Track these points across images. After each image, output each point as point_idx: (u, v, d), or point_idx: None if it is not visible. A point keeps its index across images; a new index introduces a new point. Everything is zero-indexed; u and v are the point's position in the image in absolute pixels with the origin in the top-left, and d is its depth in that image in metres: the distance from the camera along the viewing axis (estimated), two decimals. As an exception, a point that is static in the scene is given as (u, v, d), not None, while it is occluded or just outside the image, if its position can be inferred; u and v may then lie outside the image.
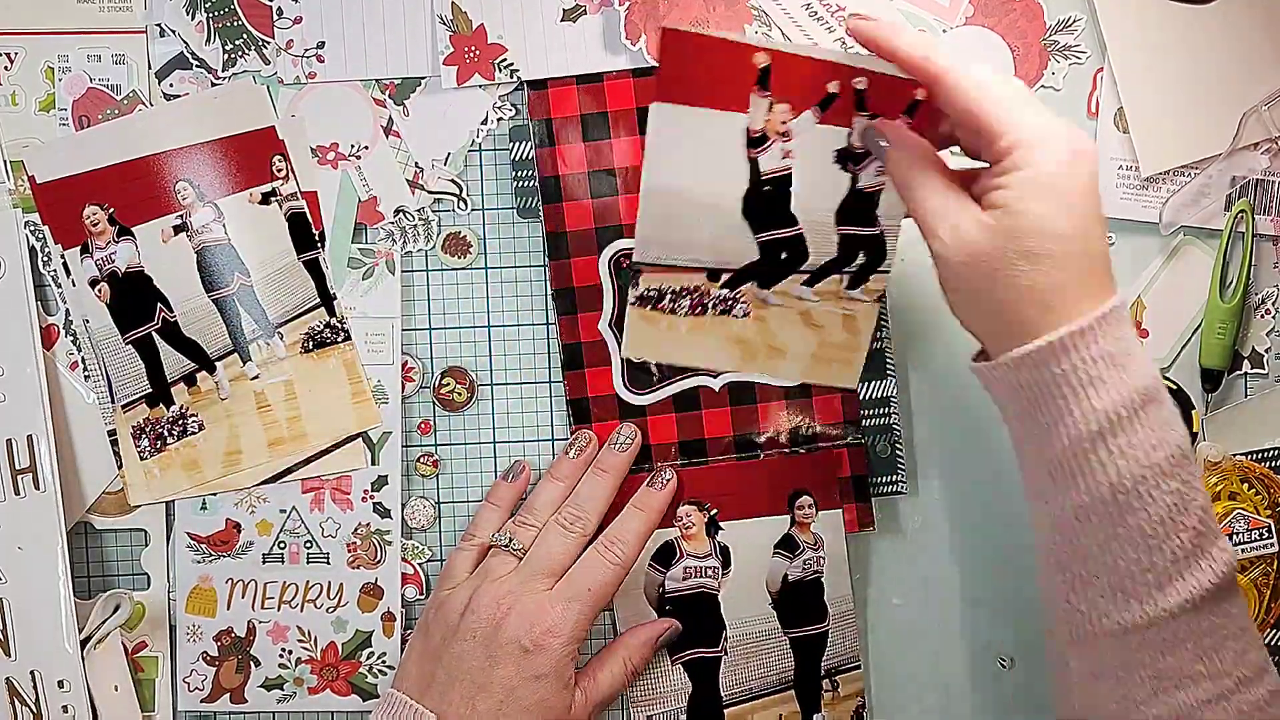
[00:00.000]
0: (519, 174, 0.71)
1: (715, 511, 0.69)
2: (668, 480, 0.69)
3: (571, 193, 0.70)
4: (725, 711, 0.70)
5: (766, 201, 0.66)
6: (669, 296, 0.69)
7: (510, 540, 0.67)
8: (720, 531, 0.70)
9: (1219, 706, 0.52)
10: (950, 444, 0.72)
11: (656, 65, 0.65)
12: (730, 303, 0.69)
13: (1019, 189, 0.53)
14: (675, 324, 0.69)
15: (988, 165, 0.56)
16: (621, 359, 0.70)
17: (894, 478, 0.71)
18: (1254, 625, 0.55)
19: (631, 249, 0.69)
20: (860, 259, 0.68)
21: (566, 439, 0.71)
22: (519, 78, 0.70)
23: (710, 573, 0.69)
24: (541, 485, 0.69)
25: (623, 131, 0.70)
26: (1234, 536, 0.68)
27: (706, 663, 0.70)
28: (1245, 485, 0.69)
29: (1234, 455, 0.70)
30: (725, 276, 0.68)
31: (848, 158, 0.65)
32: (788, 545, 0.70)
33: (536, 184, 0.70)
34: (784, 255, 0.68)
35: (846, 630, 0.71)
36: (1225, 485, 0.69)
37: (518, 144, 0.71)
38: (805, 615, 0.70)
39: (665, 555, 0.69)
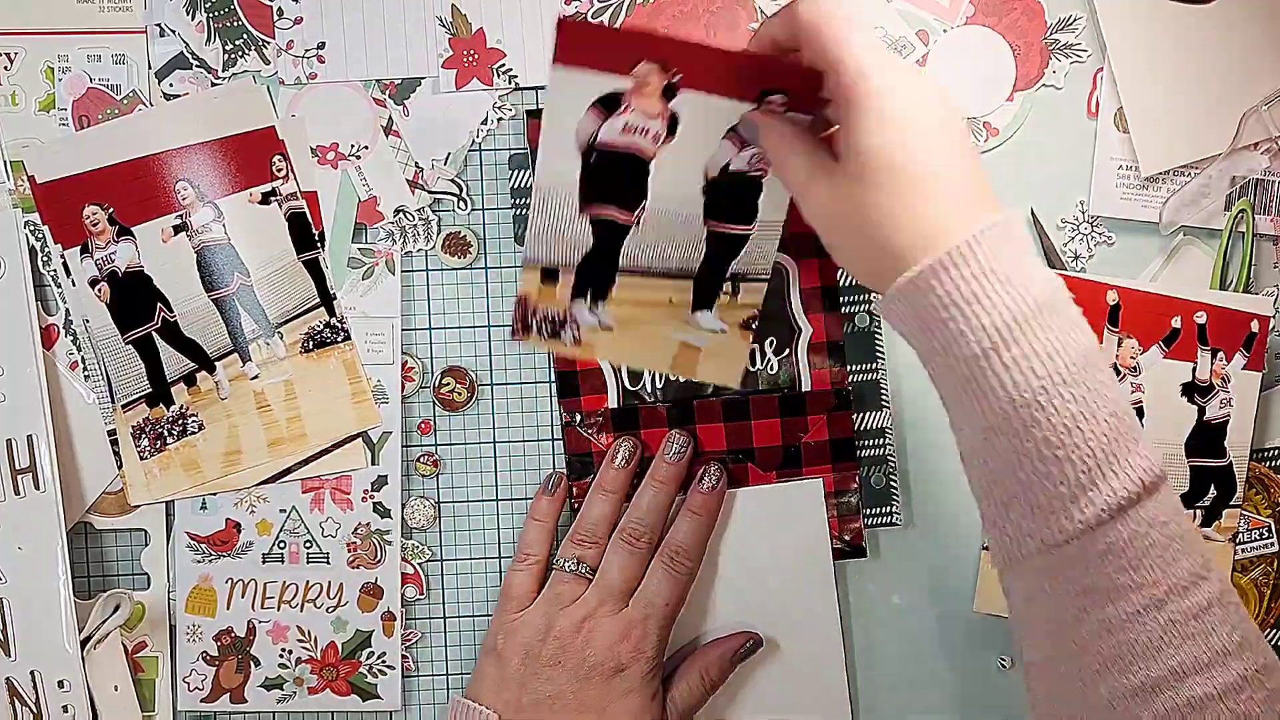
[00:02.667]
0: (517, 201, 0.71)
1: (679, 77, 0.62)
2: (717, 480, 0.69)
3: None
4: (616, 278, 0.66)
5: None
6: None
7: (578, 564, 0.67)
8: (675, 98, 0.62)
9: (1149, 618, 0.50)
10: (945, 472, 0.72)
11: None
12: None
13: (863, 127, 0.52)
14: None
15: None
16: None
17: (888, 508, 0.71)
18: (1194, 531, 0.52)
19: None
20: (1212, 493, 0.69)
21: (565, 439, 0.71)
22: (517, 83, 0.70)
23: (651, 137, 0.63)
24: (592, 499, 0.69)
25: None
26: (1235, 536, 0.68)
27: (614, 227, 0.66)
28: (1246, 485, 0.69)
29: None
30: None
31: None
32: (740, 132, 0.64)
33: None
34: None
35: (767, 243, 0.66)
36: None
37: (516, 172, 0.71)
38: (733, 212, 0.66)
39: (610, 102, 0.62)
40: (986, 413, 0.51)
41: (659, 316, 0.67)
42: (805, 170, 0.56)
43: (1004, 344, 0.50)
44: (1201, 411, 0.69)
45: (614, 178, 0.64)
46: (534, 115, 0.70)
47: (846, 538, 0.71)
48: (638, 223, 0.65)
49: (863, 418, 0.71)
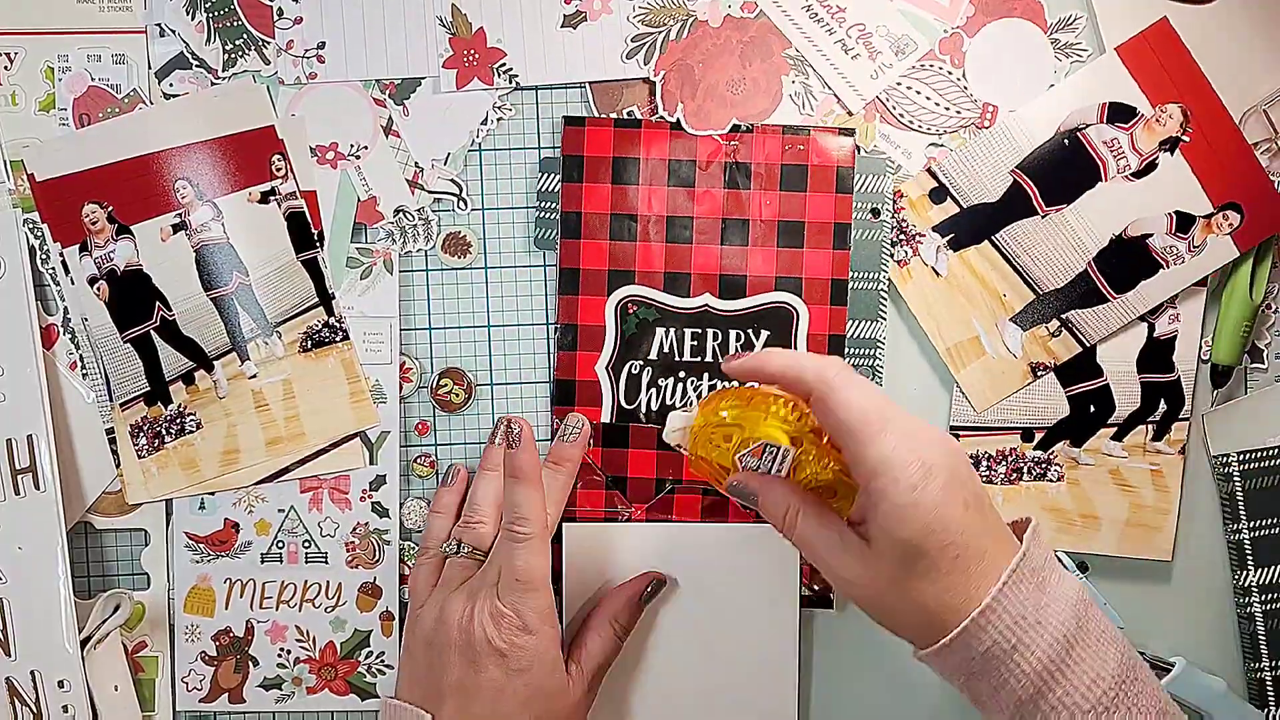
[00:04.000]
0: (542, 205, 0.71)
1: None
2: (578, 431, 0.69)
3: (591, 231, 0.70)
4: (986, 242, 0.69)
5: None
6: (984, 463, 0.71)
7: (459, 545, 0.67)
8: None
9: None
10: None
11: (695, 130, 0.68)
12: (1044, 465, 0.70)
13: (876, 523, 0.55)
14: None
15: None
16: None
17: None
18: None
19: (638, 296, 0.69)
20: (1162, 407, 0.70)
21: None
22: (518, 83, 0.70)
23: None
24: (478, 478, 0.69)
25: (652, 180, 0.70)
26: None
27: (1026, 200, 0.70)
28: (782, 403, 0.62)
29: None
30: (1039, 436, 0.70)
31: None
32: None
33: (558, 217, 0.70)
34: (1092, 409, 0.70)
35: (1118, 319, 0.70)
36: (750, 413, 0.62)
37: (545, 175, 0.71)
38: (1120, 279, 0.70)
39: None
40: None
41: (980, 299, 0.69)
42: (837, 548, 0.58)
43: (1048, 686, 0.54)
44: (1151, 329, 0.70)
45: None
46: (571, 122, 0.70)
47: (816, 587, 0.70)
48: (1045, 215, 0.69)
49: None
